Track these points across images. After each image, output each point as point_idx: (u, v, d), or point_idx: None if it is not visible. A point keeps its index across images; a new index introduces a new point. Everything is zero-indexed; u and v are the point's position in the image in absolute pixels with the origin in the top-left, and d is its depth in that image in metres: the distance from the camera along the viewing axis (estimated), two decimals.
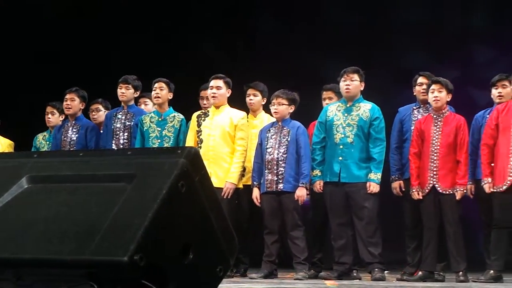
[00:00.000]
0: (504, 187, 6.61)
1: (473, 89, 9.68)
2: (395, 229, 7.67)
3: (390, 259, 7.61)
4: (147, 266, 2.74)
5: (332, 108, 7.17)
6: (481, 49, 10.05)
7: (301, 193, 7.07)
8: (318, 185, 7.07)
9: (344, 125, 7.02)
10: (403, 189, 7.20)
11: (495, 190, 6.67)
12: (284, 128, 7.20)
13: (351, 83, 7.07)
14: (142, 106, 8.15)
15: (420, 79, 7.39)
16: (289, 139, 7.15)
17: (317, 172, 7.08)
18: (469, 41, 10.09)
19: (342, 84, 7.12)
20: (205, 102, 7.75)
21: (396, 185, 7.25)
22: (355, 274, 7.14)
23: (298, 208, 7.12)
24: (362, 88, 7.16)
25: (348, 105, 7.11)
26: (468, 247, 7.13)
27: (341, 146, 7.00)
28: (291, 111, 7.27)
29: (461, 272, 6.80)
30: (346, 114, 7.06)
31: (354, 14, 10.44)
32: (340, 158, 6.98)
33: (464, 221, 7.12)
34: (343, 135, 7.01)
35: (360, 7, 10.37)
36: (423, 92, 7.31)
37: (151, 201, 2.79)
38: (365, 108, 7.06)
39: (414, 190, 6.94)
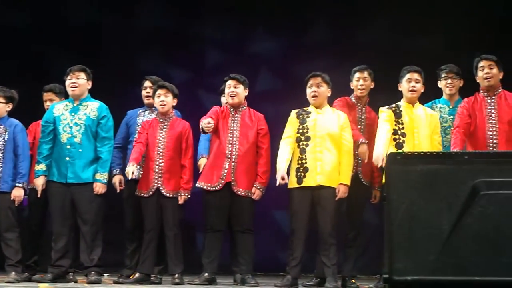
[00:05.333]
0: (215, 188, 6.80)
1: (203, 92, 9.90)
2: (116, 231, 7.63)
3: (111, 261, 7.57)
4: None
5: (59, 107, 7.06)
6: (211, 53, 10.28)
7: (18, 193, 6.90)
8: (42, 180, 6.88)
9: (71, 124, 6.93)
10: (123, 185, 7.23)
11: (204, 187, 6.85)
12: (1, 126, 6.98)
13: (77, 81, 7.01)
14: None
15: (146, 83, 7.47)
16: (6, 137, 6.96)
17: (42, 166, 6.91)
18: (199, 46, 10.28)
19: (68, 82, 7.04)
20: None
21: (116, 179, 7.29)
22: (71, 277, 7.03)
23: (14, 208, 6.91)
24: (89, 87, 7.10)
25: (75, 104, 7.02)
26: (188, 250, 7.25)
27: (68, 146, 6.90)
28: (8, 109, 7.09)
29: (177, 275, 6.91)
30: (73, 114, 6.97)
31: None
32: (68, 158, 6.88)
33: (185, 224, 7.23)
34: (70, 135, 6.92)
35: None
36: (147, 96, 7.40)
37: None
38: (93, 107, 7.02)
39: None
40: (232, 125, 6.93)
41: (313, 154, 6.73)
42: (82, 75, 7.05)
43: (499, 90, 6.74)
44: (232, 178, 6.82)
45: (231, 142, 6.88)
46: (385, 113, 6.78)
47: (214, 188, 6.84)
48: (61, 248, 6.86)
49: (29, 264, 7.22)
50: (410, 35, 9.49)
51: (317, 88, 6.88)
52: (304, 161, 6.75)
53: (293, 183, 6.76)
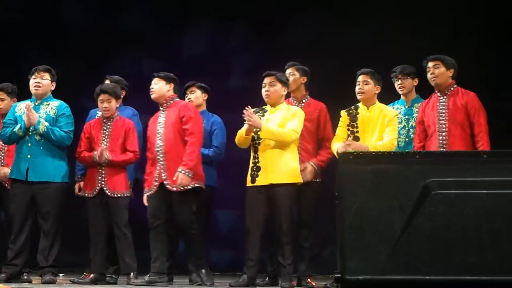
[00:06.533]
0: (152, 191, 6.78)
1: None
2: (71, 231, 7.56)
3: (66, 262, 7.52)
4: None
5: (20, 106, 7.06)
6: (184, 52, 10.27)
7: None
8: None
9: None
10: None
11: (147, 194, 6.84)
12: None
13: (41, 81, 7.01)
14: None
15: (106, 82, 7.44)
16: None
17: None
18: (172, 43, 10.26)
19: (32, 82, 7.04)
20: None
21: (77, 186, 7.28)
22: (25, 277, 6.97)
23: None
24: (52, 88, 7.09)
25: (37, 103, 7.03)
26: (141, 249, 7.20)
27: (29, 144, 6.89)
28: None
29: (132, 274, 6.87)
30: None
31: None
32: (29, 156, 6.87)
33: (138, 223, 7.19)
34: (31, 133, 6.89)
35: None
36: None
37: None
38: (53, 105, 7.02)
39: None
40: (160, 123, 6.89)
41: (264, 153, 6.74)
42: (47, 76, 7.04)
43: (452, 88, 6.74)
44: (164, 178, 6.76)
45: (158, 141, 6.83)
46: (341, 118, 6.87)
47: (151, 192, 6.81)
48: (18, 247, 6.81)
49: None
50: (392, 40, 9.42)
51: (269, 87, 6.88)
52: (257, 160, 6.76)
53: (248, 181, 6.77)
